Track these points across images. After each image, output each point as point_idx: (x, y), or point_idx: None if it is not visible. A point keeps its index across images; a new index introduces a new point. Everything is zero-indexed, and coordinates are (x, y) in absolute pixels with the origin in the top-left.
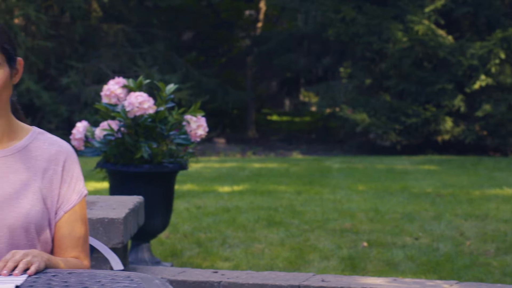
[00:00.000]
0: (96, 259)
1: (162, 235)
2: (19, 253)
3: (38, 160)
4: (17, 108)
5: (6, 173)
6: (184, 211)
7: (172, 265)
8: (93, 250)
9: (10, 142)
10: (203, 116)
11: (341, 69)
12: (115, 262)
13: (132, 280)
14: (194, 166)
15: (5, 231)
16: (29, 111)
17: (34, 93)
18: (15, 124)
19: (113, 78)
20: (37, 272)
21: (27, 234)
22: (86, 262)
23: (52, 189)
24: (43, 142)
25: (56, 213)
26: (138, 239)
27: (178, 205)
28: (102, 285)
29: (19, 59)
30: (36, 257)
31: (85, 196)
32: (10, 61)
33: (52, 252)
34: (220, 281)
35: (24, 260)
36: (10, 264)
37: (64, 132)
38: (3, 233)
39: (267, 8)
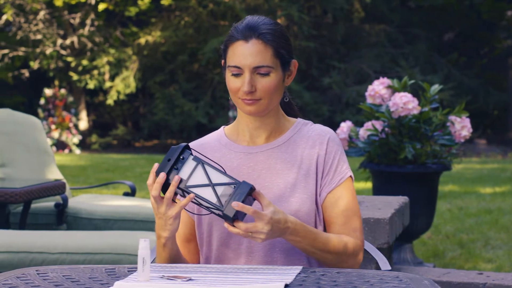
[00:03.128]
0: None
1: (425, 236)
2: (262, 223)
3: (301, 147)
4: (294, 109)
5: (273, 165)
6: (446, 211)
7: (434, 266)
8: None
9: (277, 136)
10: (467, 117)
11: None
12: (383, 262)
13: (401, 280)
14: (455, 166)
15: None
16: None
17: (295, 93)
18: (283, 121)
19: (375, 78)
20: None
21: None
22: (358, 241)
23: (317, 172)
24: (306, 131)
25: (319, 195)
26: (401, 239)
27: (440, 205)
28: (371, 285)
29: (294, 61)
30: (265, 236)
31: (348, 178)
32: (284, 65)
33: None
34: (485, 283)
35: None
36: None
37: None
38: None
39: None
